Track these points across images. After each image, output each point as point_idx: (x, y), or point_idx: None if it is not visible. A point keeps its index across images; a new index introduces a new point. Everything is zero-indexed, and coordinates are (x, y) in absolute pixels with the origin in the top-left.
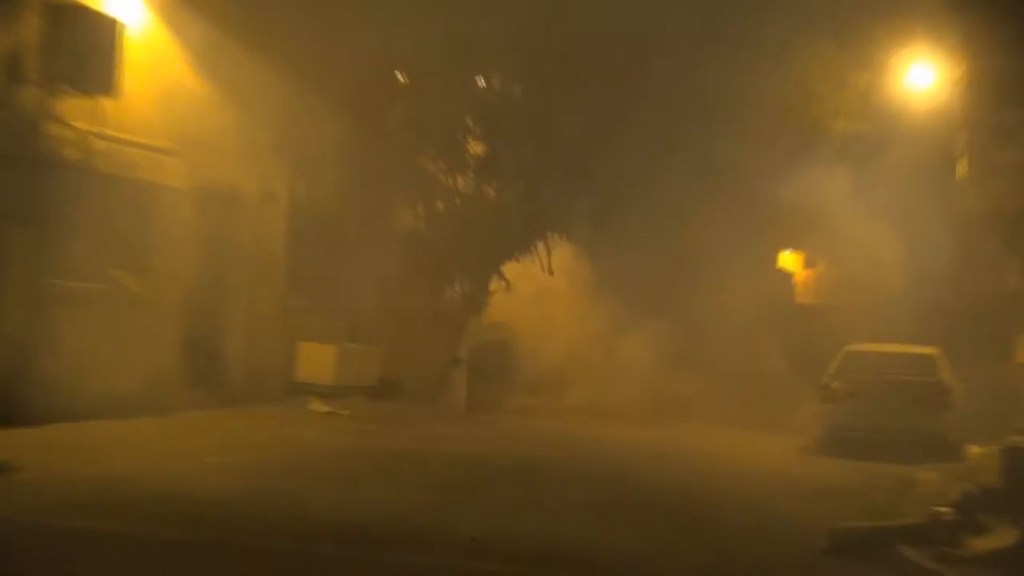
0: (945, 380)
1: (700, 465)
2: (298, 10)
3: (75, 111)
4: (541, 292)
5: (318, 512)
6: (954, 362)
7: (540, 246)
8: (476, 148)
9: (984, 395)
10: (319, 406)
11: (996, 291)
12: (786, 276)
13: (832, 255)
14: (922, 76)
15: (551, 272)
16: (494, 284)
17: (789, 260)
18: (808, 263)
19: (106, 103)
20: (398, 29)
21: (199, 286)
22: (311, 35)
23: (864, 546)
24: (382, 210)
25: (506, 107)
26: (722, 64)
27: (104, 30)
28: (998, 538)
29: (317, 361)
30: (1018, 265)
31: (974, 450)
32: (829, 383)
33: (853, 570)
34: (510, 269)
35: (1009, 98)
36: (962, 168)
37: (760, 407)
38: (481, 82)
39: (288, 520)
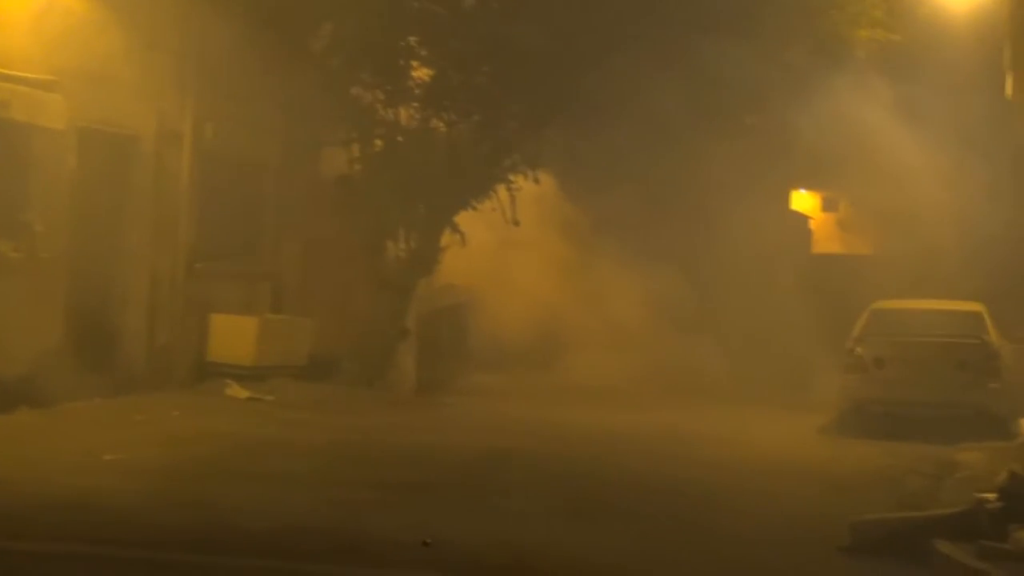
0: (993, 342)
1: (700, 454)
2: None
3: None
4: (506, 246)
5: (239, 518)
6: (1005, 321)
7: (502, 190)
8: (421, 73)
9: None
10: (238, 391)
11: None
12: (802, 220)
13: (855, 195)
14: None
15: (516, 222)
16: (447, 238)
17: (804, 201)
18: (827, 205)
19: None
20: None
21: (87, 249)
22: None
23: (893, 541)
24: (309, 152)
25: (456, 22)
26: None
27: None
28: None
29: (234, 337)
30: None
31: None
32: (853, 348)
33: (878, 570)
34: (467, 219)
35: None
36: (1010, 86)
37: (772, 379)
38: None
39: (203, 528)
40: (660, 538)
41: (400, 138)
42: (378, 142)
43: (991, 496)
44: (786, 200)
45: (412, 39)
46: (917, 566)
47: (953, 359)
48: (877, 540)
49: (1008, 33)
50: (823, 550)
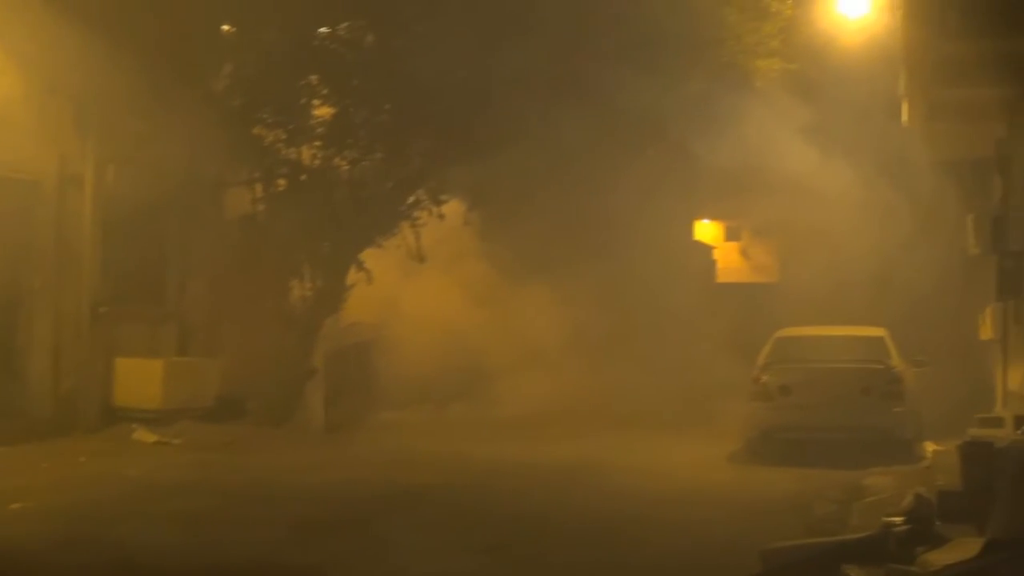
0: (896, 366)
1: (612, 484)
2: None
3: None
4: (414, 282)
5: (150, 560)
6: (909, 343)
7: (407, 227)
8: (323, 112)
9: (944, 381)
10: (145, 435)
11: (956, 257)
12: (706, 250)
13: (758, 224)
14: (854, 3)
15: (422, 259)
16: (352, 276)
17: (708, 231)
18: (730, 235)
19: None
20: None
21: None
22: None
23: (803, 568)
24: (212, 193)
25: (357, 60)
26: None
27: None
28: (958, 549)
29: (140, 380)
30: (974, 224)
31: (932, 448)
32: (759, 376)
33: None
34: (373, 257)
35: (955, 27)
36: (906, 113)
37: (681, 407)
38: (325, 31)
39: (113, 571)
40: (571, 571)
41: (303, 177)
42: (281, 181)
43: (898, 520)
44: (690, 230)
45: (313, 78)
46: None
47: (857, 384)
48: (787, 567)
49: (903, 61)
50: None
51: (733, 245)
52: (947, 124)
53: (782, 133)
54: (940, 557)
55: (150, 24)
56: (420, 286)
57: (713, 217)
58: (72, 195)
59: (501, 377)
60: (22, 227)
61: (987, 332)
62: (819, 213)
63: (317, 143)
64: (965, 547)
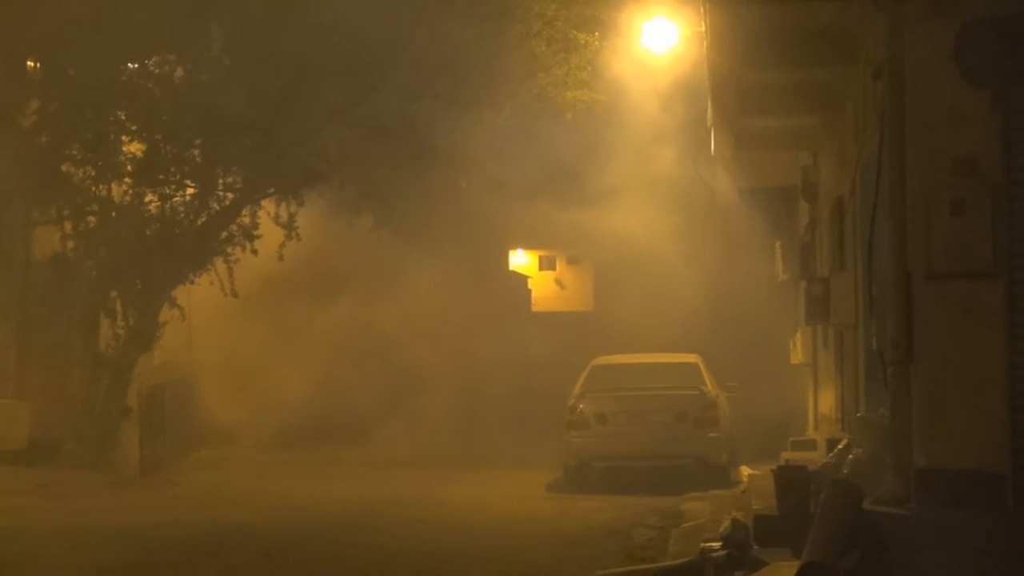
0: (710, 392)
1: (433, 518)
2: None
3: None
4: (230, 318)
5: None
6: (722, 368)
7: (220, 263)
8: (133, 148)
9: (757, 405)
10: None
11: (766, 283)
12: (520, 279)
13: (571, 253)
14: (661, 35)
15: (234, 294)
16: (165, 314)
17: (522, 261)
18: (544, 264)
19: None
20: (27, 6)
21: None
22: None
23: None
24: (18, 231)
25: (166, 95)
26: (427, 28)
27: None
28: (774, 573)
29: None
30: (782, 250)
31: (747, 472)
32: (575, 405)
33: None
34: (190, 293)
35: (758, 58)
36: (714, 141)
37: (499, 438)
38: (133, 67)
39: None
40: None
41: (114, 214)
42: (91, 219)
43: (716, 545)
44: (504, 260)
45: (121, 114)
46: None
47: (672, 410)
48: None
49: (709, 92)
50: None
51: (548, 274)
52: (753, 153)
53: (592, 163)
54: None
55: None
56: (237, 323)
57: (528, 247)
58: None
59: (320, 412)
60: None
61: (797, 356)
62: (632, 242)
63: (127, 179)
64: (781, 571)
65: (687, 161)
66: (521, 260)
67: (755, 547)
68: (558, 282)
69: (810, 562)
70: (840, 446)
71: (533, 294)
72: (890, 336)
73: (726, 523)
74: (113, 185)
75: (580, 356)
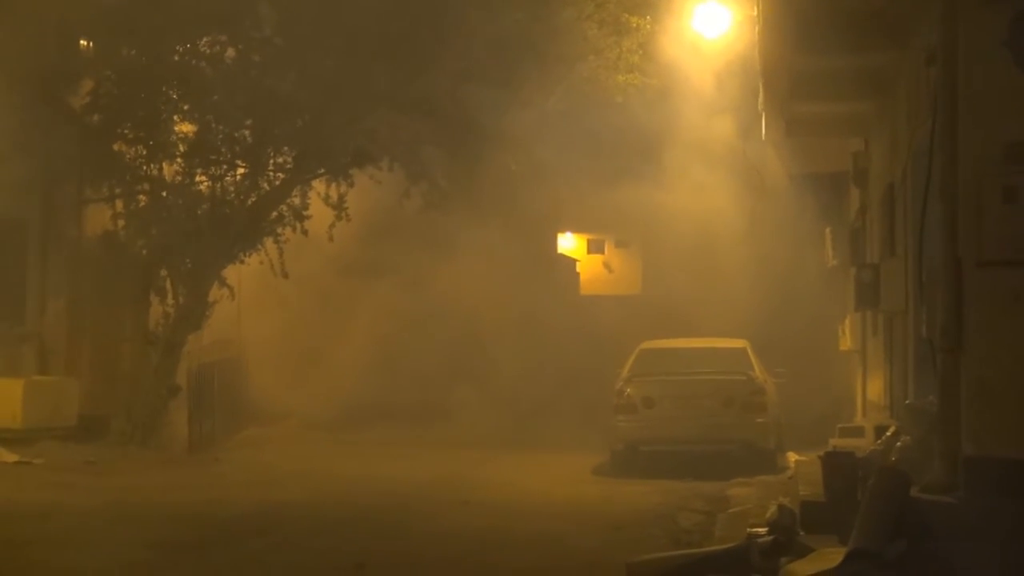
0: (758, 377)
1: (479, 500)
2: None
3: None
4: (280, 298)
5: None
6: (773, 354)
7: (270, 243)
8: (185, 128)
9: (805, 391)
10: (5, 455)
11: (816, 268)
12: (569, 263)
13: (620, 237)
14: (714, 19)
15: (284, 274)
16: (215, 293)
17: (571, 244)
18: (593, 247)
19: None
20: None
21: None
22: None
23: None
24: (72, 209)
25: (217, 76)
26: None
27: None
28: (820, 560)
29: (0, 400)
30: (832, 236)
31: (794, 458)
32: (622, 389)
33: None
34: (240, 272)
35: (811, 43)
36: (765, 127)
37: (544, 421)
38: (185, 47)
39: None
40: None
41: (165, 193)
42: (142, 197)
43: (762, 530)
44: (553, 244)
45: (173, 93)
46: None
47: (720, 395)
48: None
49: (760, 77)
50: None
51: (596, 258)
52: (805, 139)
53: (642, 147)
54: (803, 567)
55: (6, 41)
56: (288, 303)
57: (577, 231)
58: None
59: (369, 392)
60: None
61: (846, 343)
62: (681, 226)
63: (178, 159)
64: (827, 557)
65: (738, 146)
66: (570, 243)
67: (801, 533)
68: (606, 265)
69: (856, 549)
70: (888, 433)
71: (581, 277)
72: (940, 323)
73: (772, 509)
74: (164, 164)
75: (628, 340)
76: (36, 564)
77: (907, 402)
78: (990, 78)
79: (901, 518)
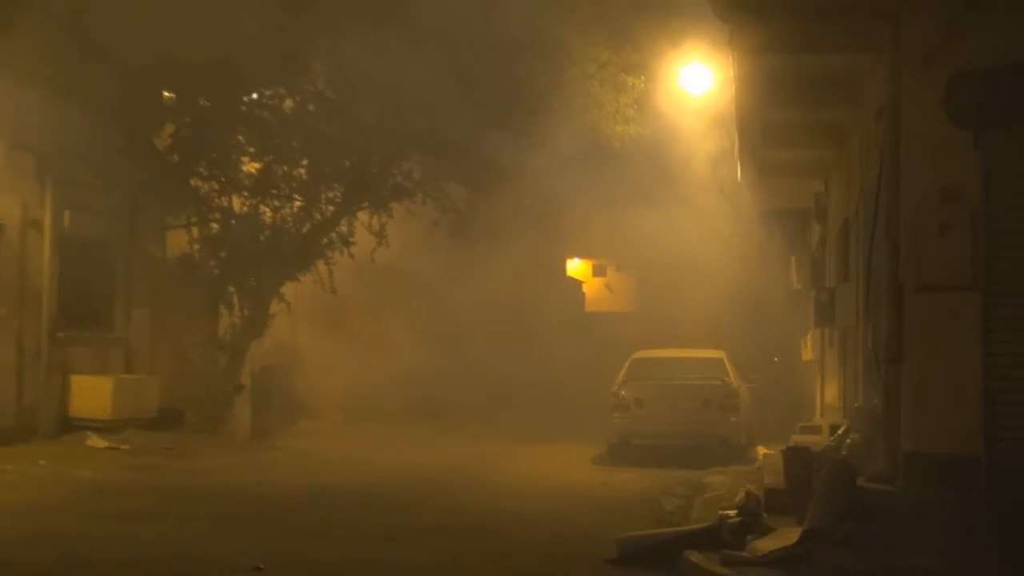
0: (732, 382)
1: (493, 484)
2: (59, 26)
3: None
4: (330, 311)
5: (92, 552)
6: (746, 363)
7: (321, 264)
8: (251, 166)
9: (773, 394)
10: (97, 441)
11: (783, 291)
12: (576, 284)
13: (621, 262)
14: (698, 78)
15: (333, 291)
16: (274, 307)
17: (578, 269)
18: (597, 271)
19: None
20: (165, 46)
21: None
22: (74, 53)
23: (652, 553)
24: (154, 234)
25: (279, 122)
26: (500, 68)
27: None
28: (780, 537)
29: (93, 394)
30: (796, 263)
31: (762, 451)
32: (617, 391)
33: None
34: (295, 289)
35: (777, 97)
36: (740, 169)
37: (552, 419)
38: (251, 98)
39: (60, 561)
40: (458, 552)
41: (233, 221)
42: (214, 225)
43: (732, 513)
44: (562, 268)
45: (241, 137)
46: (672, 574)
47: (700, 398)
48: (638, 553)
49: (736, 127)
50: (592, 562)
51: (600, 280)
52: (773, 179)
53: (639, 185)
54: (765, 544)
55: (101, 89)
56: (334, 316)
57: (583, 257)
58: (32, 236)
59: (399, 394)
60: None
61: (808, 354)
62: (671, 254)
63: (245, 193)
64: (786, 535)
65: (718, 185)
66: (577, 267)
67: (765, 515)
68: (608, 287)
69: (810, 528)
70: (840, 431)
71: (587, 297)
72: (883, 338)
73: (741, 494)
74: (233, 197)
75: (626, 350)
76: (113, 535)
77: (856, 405)
78: (928, 131)
79: (849, 503)
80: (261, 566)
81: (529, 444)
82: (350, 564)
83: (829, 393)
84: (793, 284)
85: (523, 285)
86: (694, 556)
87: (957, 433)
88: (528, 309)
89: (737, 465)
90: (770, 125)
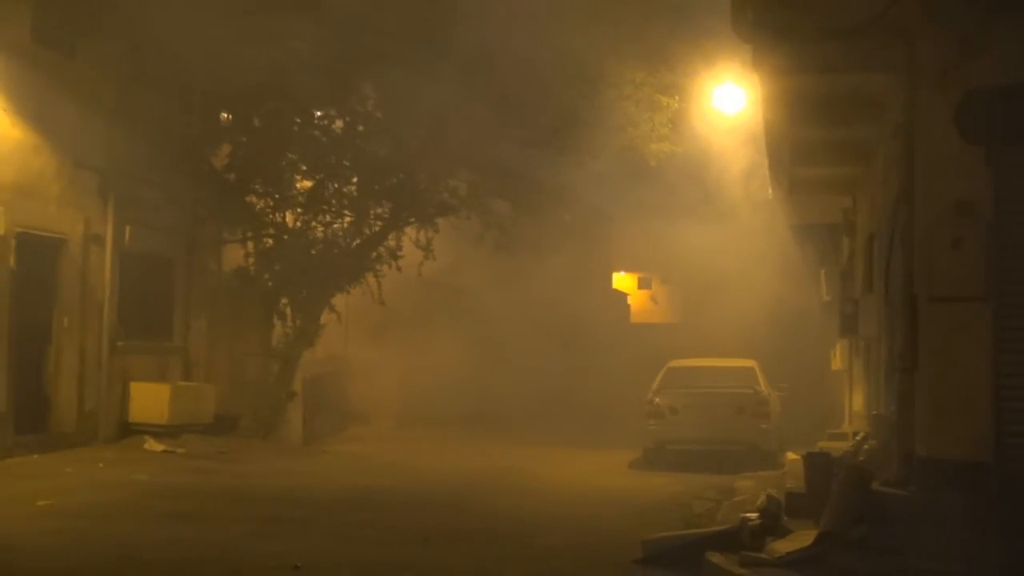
0: (763, 391)
1: (531, 487)
2: (120, 51)
3: None
4: (379, 322)
5: (146, 552)
6: (777, 371)
7: (370, 277)
8: (303, 184)
9: (803, 403)
10: (154, 445)
11: (814, 303)
12: (622, 297)
13: (664, 275)
14: (731, 98)
15: (382, 302)
16: (325, 317)
17: (623, 281)
18: (642, 284)
19: None
20: (221, 69)
21: (27, 331)
22: (135, 77)
23: (676, 554)
24: (211, 248)
25: (330, 142)
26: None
27: None
28: (796, 539)
29: (151, 401)
30: (826, 277)
31: (792, 457)
32: (653, 398)
33: None
34: (346, 300)
35: (806, 117)
36: (771, 186)
37: (593, 426)
38: (304, 119)
39: (116, 561)
40: (494, 554)
41: (286, 236)
42: (268, 240)
43: (753, 515)
44: (608, 281)
45: (294, 156)
46: (694, 574)
47: (732, 406)
48: (663, 553)
49: (767, 146)
50: (620, 562)
51: (645, 293)
52: (804, 196)
53: (680, 201)
54: (783, 545)
55: (161, 111)
56: (384, 327)
57: (628, 270)
58: (95, 250)
59: (452, 401)
60: (53, 276)
61: (837, 363)
62: (711, 268)
63: (298, 209)
64: (803, 537)
65: (751, 202)
66: (623, 281)
67: (785, 518)
68: (652, 299)
69: (825, 531)
70: (858, 437)
71: (632, 308)
72: (898, 348)
73: (762, 498)
74: (287, 213)
75: (669, 358)
76: (167, 535)
77: (874, 412)
78: (942, 147)
79: (864, 507)
80: (299, 564)
81: (571, 449)
82: (387, 565)
83: (856, 401)
84: (824, 296)
85: (569, 296)
86: (715, 557)
87: (968, 439)
88: (574, 319)
89: (766, 471)
90: (798, 143)
